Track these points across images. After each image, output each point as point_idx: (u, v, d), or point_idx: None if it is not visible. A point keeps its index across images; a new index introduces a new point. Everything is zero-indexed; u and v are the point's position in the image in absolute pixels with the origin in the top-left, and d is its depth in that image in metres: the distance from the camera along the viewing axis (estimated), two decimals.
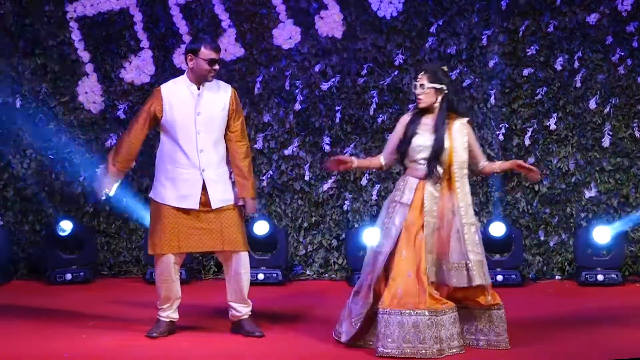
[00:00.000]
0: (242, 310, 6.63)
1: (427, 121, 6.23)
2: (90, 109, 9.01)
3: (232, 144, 6.48)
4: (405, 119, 6.34)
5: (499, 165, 6.42)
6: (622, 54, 8.72)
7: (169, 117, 6.38)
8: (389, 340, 5.97)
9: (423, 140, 6.18)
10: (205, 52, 6.33)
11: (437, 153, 6.13)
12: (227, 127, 6.46)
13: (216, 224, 6.40)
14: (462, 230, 6.09)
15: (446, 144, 6.14)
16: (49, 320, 7.08)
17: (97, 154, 8.98)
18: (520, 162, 6.32)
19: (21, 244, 9.06)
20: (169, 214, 6.39)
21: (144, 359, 6.08)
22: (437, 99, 6.20)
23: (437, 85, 6.18)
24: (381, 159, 6.40)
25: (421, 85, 6.19)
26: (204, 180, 6.36)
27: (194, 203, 6.37)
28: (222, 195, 6.42)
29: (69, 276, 8.65)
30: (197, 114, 6.37)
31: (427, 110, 6.24)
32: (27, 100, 8.99)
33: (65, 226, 8.68)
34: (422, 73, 6.24)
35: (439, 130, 6.15)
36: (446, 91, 6.20)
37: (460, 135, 6.18)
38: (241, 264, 6.54)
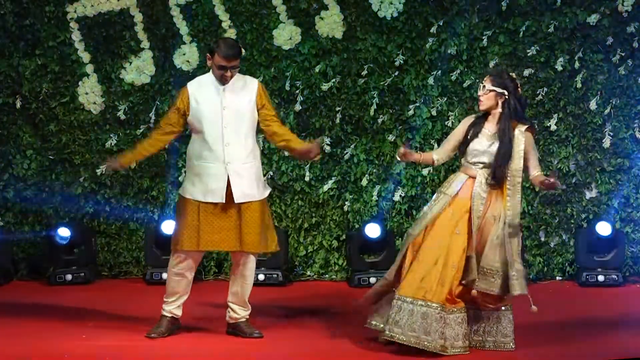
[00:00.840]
0: (240, 313, 6.63)
1: (489, 126, 6.29)
2: (91, 109, 9.00)
3: (273, 128, 6.55)
4: (468, 119, 6.41)
5: (538, 180, 6.32)
6: (623, 54, 8.72)
7: (196, 113, 6.45)
8: (396, 325, 6.04)
9: (481, 145, 6.25)
10: (217, 58, 6.41)
11: (503, 159, 6.16)
12: (260, 118, 6.52)
13: (237, 222, 6.42)
14: (505, 238, 6.12)
15: (497, 150, 6.20)
16: (49, 320, 7.08)
17: (98, 154, 8.97)
18: (544, 180, 6.20)
19: (21, 245, 9.05)
20: (193, 210, 6.44)
21: (144, 359, 6.08)
22: (497, 103, 6.23)
23: (499, 89, 6.21)
24: (434, 155, 6.48)
25: (483, 87, 6.26)
26: (228, 174, 6.40)
27: (219, 196, 6.40)
28: (246, 189, 6.45)
29: (69, 277, 8.64)
30: (223, 108, 6.43)
31: (490, 114, 6.28)
32: (27, 101, 8.98)
33: (63, 233, 8.67)
34: (487, 76, 6.31)
35: (505, 136, 6.17)
36: (507, 96, 6.21)
37: (517, 143, 6.19)
38: (249, 267, 6.57)
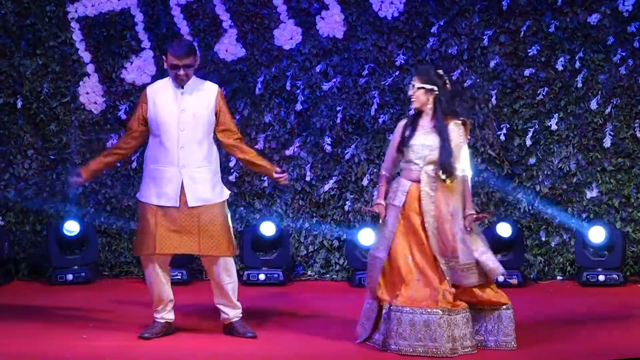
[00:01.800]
0: (230, 313, 6.60)
1: (424, 123, 6.31)
2: (92, 109, 9.01)
3: (230, 143, 6.51)
4: (401, 122, 6.44)
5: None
6: (624, 54, 8.71)
7: (153, 116, 6.41)
8: (401, 338, 6.03)
9: (419, 139, 6.26)
10: (170, 57, 6.38)
11: (447, 152, 6.16)
12: (217, 125, 6.47)
13: (194, 225, 6.38)
14: (464, 232, 6.14)
15: (439, 144, 6.20)
16: (50, 320, 7.08)
17: (98, 154, 8.95)
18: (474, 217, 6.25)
19: (22, 245, 9.06)
20: (150, 213, 6.40)
21: (144, 359, 6.08)
22: (428, 100, 6.27)
23: (428, 86, 6.26)
24: (383, 172, 6.49)
25: (413, 85, 6.31)
26: (182, 178, 6.35)
27: (173, 200, 6.36)
28: (200, 194, 6.39)
29: (70, 277, 8.64)
30: (180, 111, 6.38)
31: (423, 112, 6.32)
32: (28, 101, 8.98)
33: (72, 227, 8.67)
34: (415, 74, 6.38)
35: (443, 130, 6.20)
36: (437, 92, 6.24)
37: (453, 136, 6.22)
38: (220, 270, 6.51)
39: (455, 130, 6.24)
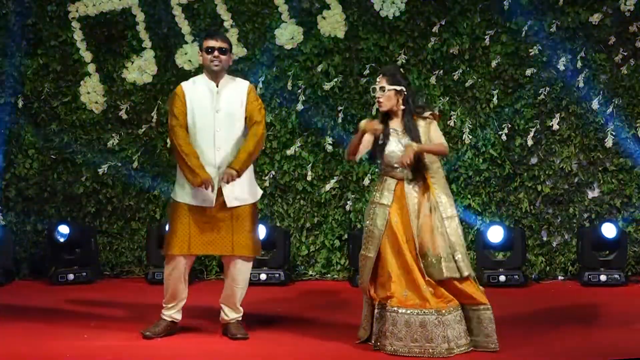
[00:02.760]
0: (230, 315, 6.58)
1: (394, 125, 6.24)
2: (93, 109, 9.01)
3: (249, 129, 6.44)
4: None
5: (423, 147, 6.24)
6: (625, 54, 8.71)
7: (189, 115, 6.36)
8: (396, 338, 6.00)
9: (395, 146, 6.18)
10: (205, 43, 6.37)
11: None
12: (248, 120, 6.41)
13: (229, 226, 6.37)
14: (444, 225, 6.10)
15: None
16: (51, 320, 7.07)
17: (99, 154, 8.97)
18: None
19: (23, 244, 9.06)
20: (184, 213, 6.37)
21: (145, 359, 6.08)
22: (397, 101, 6.20)
23: (397, 87, 6.18)
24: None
25: (381, 88, 6.18)
26: (219, 178, 6.32)
27: (209, 201, 6.33)
28: (238, 194, 6.38)
29: (71, 276, 8.64)
30: (216, 111, 6.36)
31: (390, 115, 6.23)
32: (29, 100, 8.99)
33: (64, 230, 8.67)
34: (381, 76, 6.22)
35: (412, 130, 6.16)
36: (405, 93, 6.20)
37: (424, 133, 6.18)
38: (241, 271, 6.51)
39: (424, 127, 6.20)
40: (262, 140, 6.47)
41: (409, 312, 6.00)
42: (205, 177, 6.23)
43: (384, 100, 6.18)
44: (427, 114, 6.27)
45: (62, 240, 8.63)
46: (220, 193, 6.32)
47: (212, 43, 6.35)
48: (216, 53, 6.34)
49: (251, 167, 6.49)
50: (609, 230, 8.43)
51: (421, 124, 6.22)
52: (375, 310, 6.14)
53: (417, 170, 6.19)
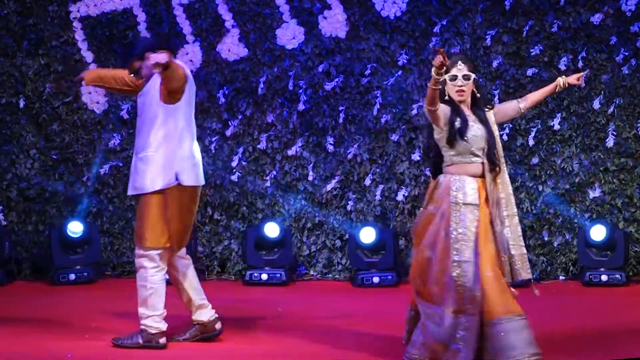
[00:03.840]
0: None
1: (467, 112, 5.64)
2: (94, 109, 9.01)
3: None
4: (446, 110, 5.58)
5: (541, 91, 6.01)
6: (626, 54, 8.70)
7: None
8: (512, 349, 5.44)
9: (476, 130, 5.59)
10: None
11: (494, 142, 5.63)
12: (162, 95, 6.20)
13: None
14: (504, 223, 5.61)
15: (486, 135, 5.66)
16: (52, 320, 7.08)
17: (101, 154, 8.97)
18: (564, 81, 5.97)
19: (24, 245, 9.06)
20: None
21: (146, 359, 6.07)
22: (471, 89, 5.65)
23: (474, 75, 5.68)
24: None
25: (465, 76, 5.61)
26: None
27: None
28: (133, 182, 6.24)
29: (72, 276, 8.64)
30: (139, 96, 6.31)
31: (461, 102, 5.65)
32: (30, 100, 8.99)
33: (75, 228, 8.67)
34: (460, 62, 5.61)
35: (485, 121, 5.64)
36: (477, 80, 5.72)
37: (492, 123, 5.72)
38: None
39: (492, 119, 5.73)
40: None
41: (509, 319, 5.50)
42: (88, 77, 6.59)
43: (467, 89, 5.60)
44: (489, 108, 5.80)
45: (72, 235, 8.63)
46: None
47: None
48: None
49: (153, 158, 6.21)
50: (599, 232, 8.43)
51: (489, 115, 5.72)
52: (493, 328, 5.47)
53: (492, 161, 5.63)
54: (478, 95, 5.68)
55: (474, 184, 5.60)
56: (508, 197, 5.66)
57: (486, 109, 5.74)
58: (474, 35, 8.79)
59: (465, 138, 5.56)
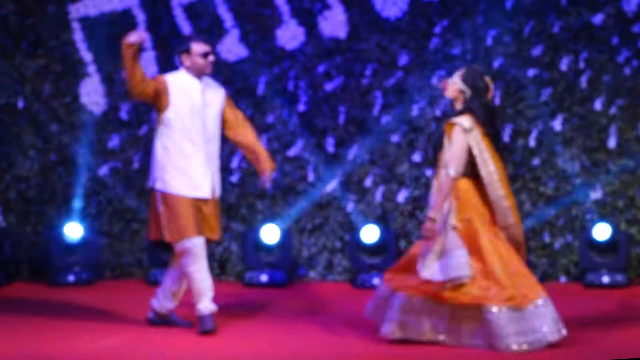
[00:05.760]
0: (167, 305, 6.73)
1: None
2: (93, 109, 8.99)
3: (239, 128, 6.72)
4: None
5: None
6: (628, 54, 8.69)
7: (178, 108, 6.47)
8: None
9: None
10: (198, 47, 6.52)
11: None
12: (225, 118, 6.68)
13: (212, 213, 6.57)
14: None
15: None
16: (51, 322, 7.07)
17: (100, 155, 8.96)
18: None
19: (23, 246, 9.04)
20: (181, 201, 6.46)
21: (146, 359, 6.06)
22: (457, 97, 6.26)
23: (462, 87, 6.23)
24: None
25: (452, 76, 6.31)
26: (211, 171, 6.55)
27: (206, 192, 6.50)
28: (219, 185, 6.66)
29: (71, 278, 8.63)
30: (204, 105, 6.52)
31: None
32: (29, 101, 8.97)
33: (74, 229, 8.66)
34: (462, 68, 6.35)
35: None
36: (467, 96, 6.22)
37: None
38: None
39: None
40: None
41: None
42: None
43: (448, 87, 6.27)
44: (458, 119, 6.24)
45: (71, 237, 8.63)
46: (210, 184, 6.55)
47: (207, 49, 6.55)
48: (211, 57, 6.57)
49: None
50: (600, 233, 8.41)
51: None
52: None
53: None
54: (458, 106, 6.26)
55: None
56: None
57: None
58: (475, 36, 8.78)
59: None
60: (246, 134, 6.72)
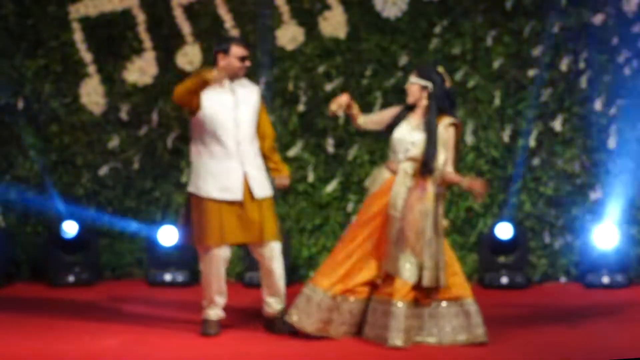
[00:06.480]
0: (276, 306, 6.73)
1: (413, 118, 6.42)
2: (93, 110, 8.99)
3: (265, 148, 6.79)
4: (396, 108, 6.56)
5: (459, 179, 6.40)
6: (628, 55, 8.69)
7: (208, 110, 6.46)
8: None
9: (400, 134, 6.39)
10: (237, 50, 6.52)
11: (430, 150, 6.24)
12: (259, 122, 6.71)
13: (257, 216, 6.55)
14: (433, 237, 6.25)
15: (424, 142, 6.28)
16: (51, 322, 7.07)
17: (100, 155, 8.95)
18: (474, 183, 6.33)
19: (23, 246, 9.03)
20: (212, 206, 6.44)
21: (147, 359, 6.07)
22: (422, 96, 6.35)
23: (422, 82, 6.32)
24: (360, 118, 6.66)
25: (409, 80, 6.42)
26: (245, 172, 6.50)
27: (237, 194, 6.47)
28: (262, 186, 6.62)
29: (71, 278, 8.63)
30: (236, 106, 6.51)
31: (416, 107, 6.41)
32: (29, 102, 8.96)
33: (74, 230, 8.66)
34: (414, 69, 6.51)
35: (431, 128, 6.26)
36: (431, 90, 6.27)
37: (440, 137, 6.27)
38: (275, 258, 6.73)
39: (442, 132, 6.28)
40: None
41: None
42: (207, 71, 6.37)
43: (410, 92, 6.41)
44: (449, 120, 6.30)
45: (67, 237, 8.62)
46: (245, 186, 6.49)
47: (244, 53, 6.54)
48: (248, 62, 6.58)
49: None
50: (600, 234, 8.44)
51: (440, 127, 6.29)
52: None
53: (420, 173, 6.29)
54: (424, 103, 6.37)
55: (385, 176, 6.45)
56: (442, 217, 6.35)
57: (439, 122, 6.31)
58: (475, 36, 8.77)
59: (392, 137, 6.43)
60: (265, 138, 6.77)
